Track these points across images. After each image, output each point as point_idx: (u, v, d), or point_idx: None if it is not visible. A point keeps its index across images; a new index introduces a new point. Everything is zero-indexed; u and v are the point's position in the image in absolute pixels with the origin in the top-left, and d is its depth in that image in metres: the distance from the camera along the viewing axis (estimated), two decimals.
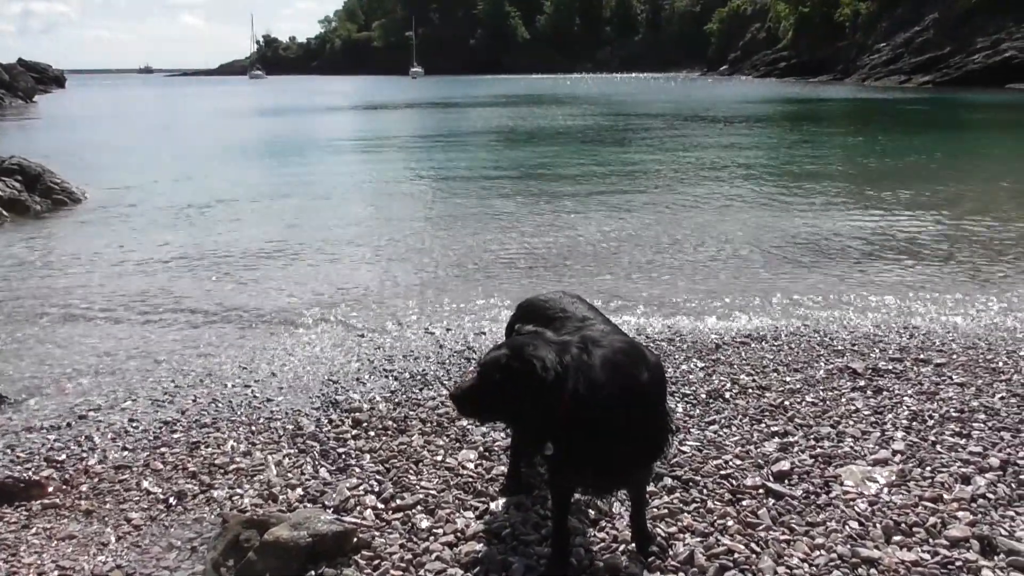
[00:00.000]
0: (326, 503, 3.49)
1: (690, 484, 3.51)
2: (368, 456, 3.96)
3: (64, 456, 4.13)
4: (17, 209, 11.54)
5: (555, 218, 11.30)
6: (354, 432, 4.27)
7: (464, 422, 4.32)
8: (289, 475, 3.80)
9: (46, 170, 12.74)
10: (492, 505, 3.44)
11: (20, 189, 11.95)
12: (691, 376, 4.93)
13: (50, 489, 3.77)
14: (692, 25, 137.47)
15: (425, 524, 3.30)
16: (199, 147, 24.86)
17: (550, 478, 2.99)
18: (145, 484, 3.78)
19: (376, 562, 3.05)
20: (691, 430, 4.08)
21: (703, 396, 4.56)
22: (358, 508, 3.45)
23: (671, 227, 10.52)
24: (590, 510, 3.32)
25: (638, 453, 2.76)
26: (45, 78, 65.26)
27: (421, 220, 11.58)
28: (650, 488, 3.42)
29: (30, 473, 3.90)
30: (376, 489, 3.60)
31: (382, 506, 3.46)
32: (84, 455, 4.14)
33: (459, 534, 3.23)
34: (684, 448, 3.84)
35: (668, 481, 3.53)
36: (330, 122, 36.26)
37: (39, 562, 3.17)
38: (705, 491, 3.45)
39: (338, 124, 34.95)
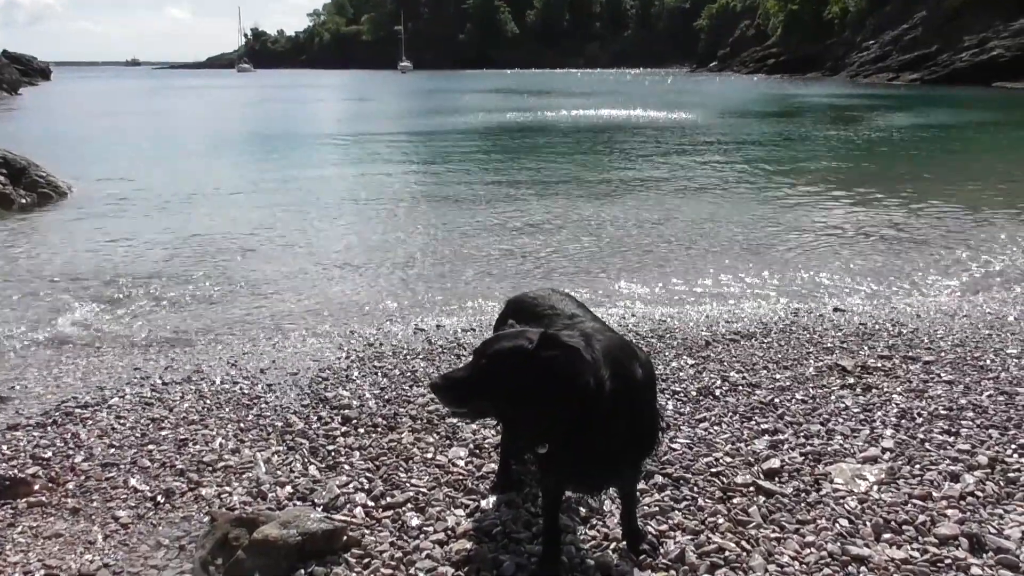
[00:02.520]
0: (316, 501, 3.47)
1: (681, 482, 3.51)
2: (358, 453, 3.94)
3: (50, 453, 4.08)
4: (2, 203, 11.42)
5: (544, 215, 11.29)
6: (343, 429, 4.25)
7: (454, 418, 4.31)
8: (278, 472, 3.78)
9: (31, 163, 12.61)
10: (483, 503, 3.42)
11: (5, 183, 11.83)
12: (681, 373, 4.93)
13: (36, 487, 3.72)
14: (681, 21, 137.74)
15: (415, 522, 3.29)
16: (185, 140, 24.68)
17: (541, 476, 2.98)
18: (132, 482, 3.74)
19: (366, 560, 3.03)
20: (682, 427, 4.08)
21: (693, 393, 4.56)
22: (348, 506, 3.43)
23: (661, 223, 10.53)
24: (581, 508, 3.31)
25: (631, 450, 2.75)
26: (30, 70, 64.61)
27: (409, 216, 11.54)
28: (641, 486, 3.42)
29: (16, 471, 3.84)
30: (366, 487, 3.58)
31: (372, 504, 3.44)
32: (70, 452, 4.09)
33: (450, 532, 3.22)
34: (675, 446, 3.84)
35: (659, 479, 3.53)
36: (318, 115, 36.07)
37: (25, 561, 3.13)
38: (696, 489, 3.45)
39: (326, 118, 34.78)
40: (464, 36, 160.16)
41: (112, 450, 4.12)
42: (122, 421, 4.52)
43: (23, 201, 11.76)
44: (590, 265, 8.45)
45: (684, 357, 5.26)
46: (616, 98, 46.26)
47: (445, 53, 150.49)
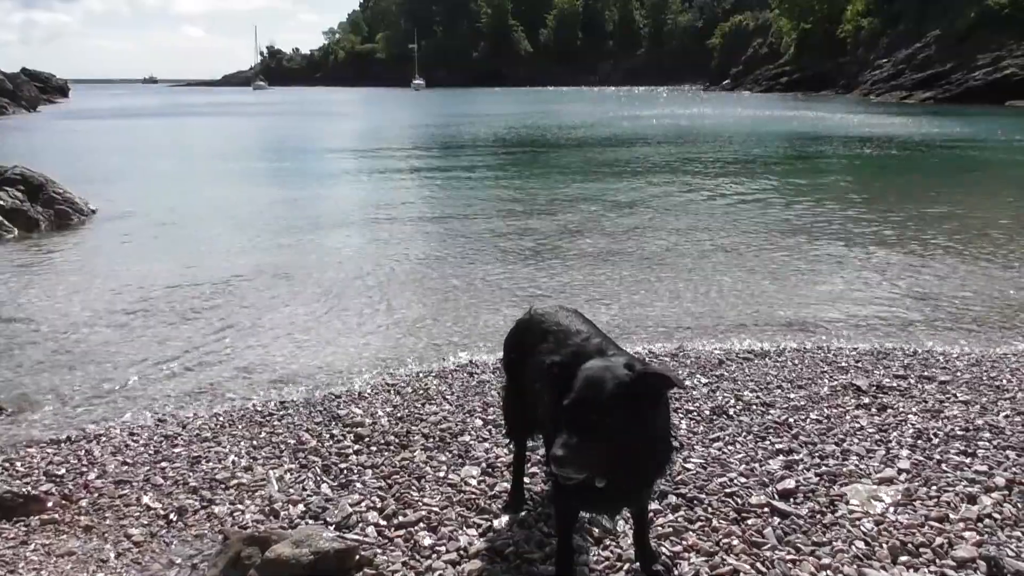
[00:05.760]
0: (328, 520, 3.46)
1: (695, 502, 3.48)
2: (370, 472, 3.93)
3: (63, 471, 4.11)
4: (19, 220, 11.52)
5: (557, 234, 11.30)
6: (356, 447, 4.25)
7: (466, 437, 4.31)
8: (291, 491, 3.78)
9: (49, 180, 12.70)
10: (495, 523, 3.41)
11: (23, 199, 11.92)
12: (695, 392, 4.90)
13: (49, 504, 3.74)
14: (694, 40, 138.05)
15: (428, 541, 3.27)
16: (204, 159, 24.88)
17: (555, 496, 2.97)
18: (145, 499, 3.76)
19: None
20: (695, 447, 4.06)
21: (707, 413, 4.53)
22: (360, 525, 3.42)
23: (672, 242, 10.51)
24: (594, 528, 3.29)
25: (644, 471, 2.73)
26: (48, 88, 65.37)
27: (423, 235, 11.59)
28: (655, 506, 3.40)
29: (29, 488, 3.86)
30: (378, 505, 3.58)
31: (384, 523, 3.43)
32: (84, 469, 4.12)
33: (462, 552, 3.20)
34: (688, 465, 3.82)
35: (673, 499, 3.50)
36: (333, 132, 36.29)
37: None
38: (710, 509, 3.42)
39: (341, 135, 34.98)
40: (477, 54, 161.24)
41: (125, 467, 4.14)
42: (135, 438, 4.54)
43: (40, 219, 11.83)
44: (603, 280, 8.42)
45: (697, 376, 5.24)
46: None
47: (459, 71, 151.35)
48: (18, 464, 4.22)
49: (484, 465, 3.96)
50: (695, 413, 4.53)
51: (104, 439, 4.55)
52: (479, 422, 4.53)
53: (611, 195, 15.08)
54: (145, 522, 3.56)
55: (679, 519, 3.34)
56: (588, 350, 2.82)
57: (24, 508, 3.68)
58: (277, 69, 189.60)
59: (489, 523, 3.40)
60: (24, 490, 3.81)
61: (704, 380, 5.14)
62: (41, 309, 7.47)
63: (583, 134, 32.30)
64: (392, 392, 5.16)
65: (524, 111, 53.36)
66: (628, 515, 3.19)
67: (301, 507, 3.61)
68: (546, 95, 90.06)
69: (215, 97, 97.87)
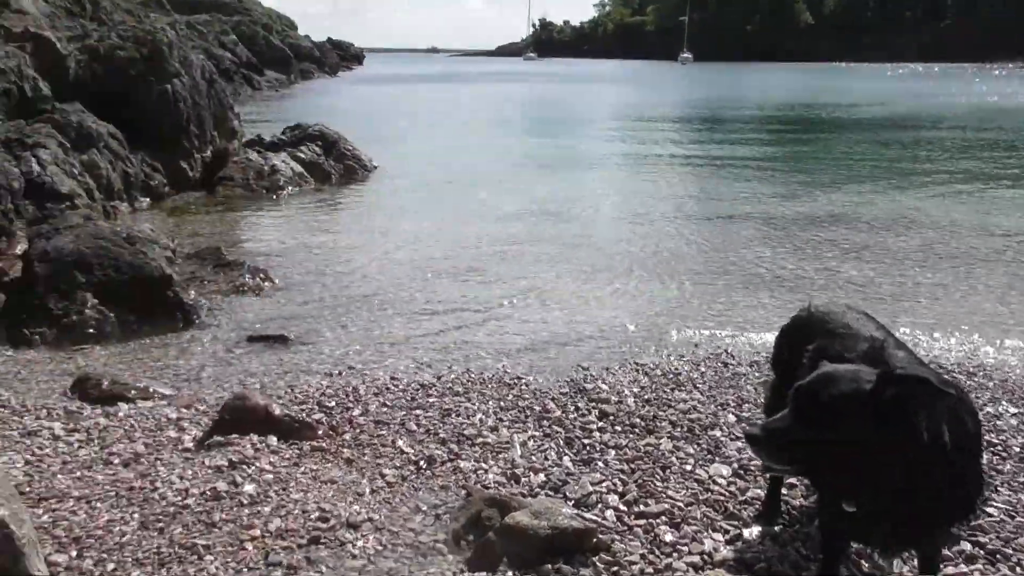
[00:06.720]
0: (568, 494, 3.38)
1: (998, 557, 2.89)
2: (613, 452, 3.79)
3: (333, 403, 4.44)
4: (316, 172, 12.92)
5: (835, 224, 10.29)
6: (600, 424, 4.13)
7: (717, 432, 4.01)
8: (533, 458, 3.75)
9: (341, 137, 14.08)
10: (745, 532, 3.10)
11: (319, 154, 13.37)
12: (999, 422, 4.13)
13: (319, 432, 4.06)
14: (1015, 8, 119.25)
15: (669, 538, 3.06)
16: (480, 125, 26.03)
17: (824, 521, 2.59)
18: (400, 443, 3.93)
19: (615, 569, 2.86)
20: (999, 489, 3.39)
21: (1016, 449, 3.79)
22: (599, 506, 3.29)
23: (990, 240, 9.09)
24: (863, 562, 2.86)
25: (946, 511, 2.28)
26: (347, 55, 72.93)
27: (689, 216, 11.12)
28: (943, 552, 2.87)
29: (304, 414, 4.23)
30: (619, 489, 3.42)
31: (624, 508, 3.27)
32: (350, 405, 4.43)
33: (706, 556, 2.95)
34: (989, 510, 3.19)
35: (967, 547, 2.94)
36: (603, 100, 36.44)
37: (303, 500, 3.39)
38: (1018, 570, 2.83)
39: (609, 103, 35.02)
40: (752, 27, 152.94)
41: (385, 409, 4.38)
42: (396, 382, 4.81)
43: (333, 173, 13.20)
44: (882, 282, 7.45)
45: (1003, 403, 4.42)
46: None
47: (730, 44, 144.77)
48: (297, 391, 4.65)
49: (736, 466, 3.64)
50: (1000, 447, 3.81)
51: (368, 379, 4.88)
52: (732, 417, 4.20)
53: (911, 188, 13.47)
54: (398, 464, 3.72)
55: (975, 574, 2.80)
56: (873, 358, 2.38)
57: (299, 432, 4.02)
58: (548, 41, 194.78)
59: (738, 531, 3.11)
60: (300, 416, 4.18)
61: (1013, 409, 4.32)
62: (327, 254, 8.27)
63: (884, 113, 29.29)
64: (640, 372, 4.97)
65: (814, 89, 49.65)
66: (911, 556, 2.72)
67: (542, 476, 3.56)
68: (836, 73, 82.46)
69: (489, 66, 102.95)
